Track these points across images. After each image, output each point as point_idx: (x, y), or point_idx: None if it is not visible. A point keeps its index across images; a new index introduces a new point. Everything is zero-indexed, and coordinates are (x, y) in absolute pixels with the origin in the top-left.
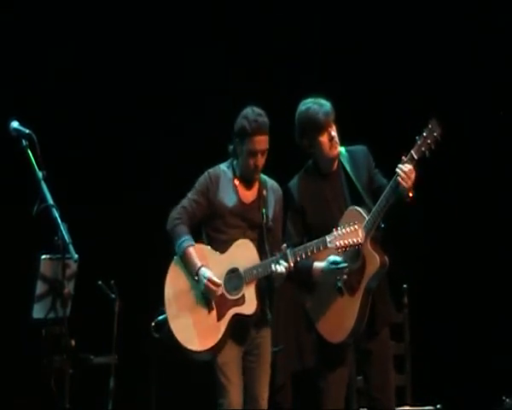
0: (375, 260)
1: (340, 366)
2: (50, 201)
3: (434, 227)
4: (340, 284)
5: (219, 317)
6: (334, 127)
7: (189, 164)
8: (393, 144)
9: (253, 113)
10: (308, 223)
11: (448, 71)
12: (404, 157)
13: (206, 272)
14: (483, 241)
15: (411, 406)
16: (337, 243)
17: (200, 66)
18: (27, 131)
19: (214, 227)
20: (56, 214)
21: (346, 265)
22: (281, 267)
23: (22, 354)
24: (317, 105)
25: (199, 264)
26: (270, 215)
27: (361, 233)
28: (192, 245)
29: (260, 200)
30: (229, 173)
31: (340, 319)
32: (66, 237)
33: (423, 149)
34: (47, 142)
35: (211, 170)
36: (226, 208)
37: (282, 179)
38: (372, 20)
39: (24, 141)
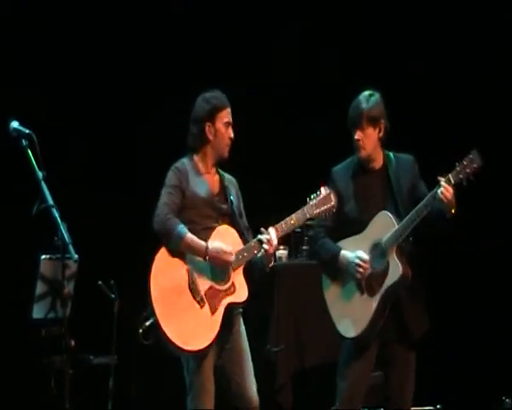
0: (397, 270)
1: (363, 367)
2: (50, 201)
3: None
4: (360, 284)
5: (213, 310)
6: (362, 130)
7: None
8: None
9: (212, 92)
10: (345, 212)
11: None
12: (441, 177)
13: (216, 245)
14: (483, 240)
15: (411, 406)
16: (314, 212)
17: (202, 65)
18: (27, 131)
19: (187, 219)
20: (56, 214)
21: (366, 263)
22: (267, 245)
23: (22, 354)
24: (358, 101)
25: (204, 244)
26: (236, 203)
27: (333, 197)
28: (188, 232)
29: (225, 190)
30: (194, 165)
31: (354, 316)
32: (66, 237)
33: (461, 176)
34: (47, 142)
35: (177, 164)
36: (199, 198)
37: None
38: (378, 22)
39: (24, 141)
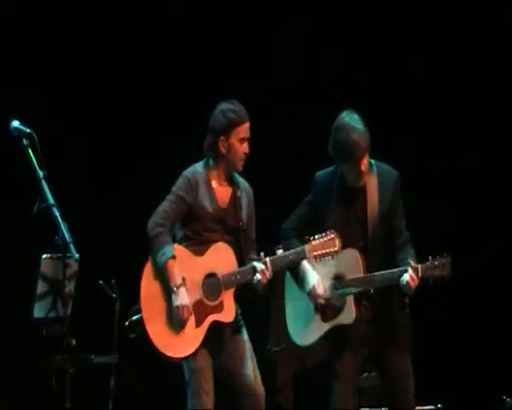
0: (350, 316)
1: (350, 362)
2: (51, 200)
3: (434, 226)
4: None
5: (198, 323)
6: (363, 161)
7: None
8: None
9: (232, 104)
10: (323, 224)
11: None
12: (412, 262)
13: (184, 295)
14: (483, 239)
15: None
16: (315, 254)
17: (202, 65)
18: (28, 130)
19: (193, 230)
20: (57, 214)
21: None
22: (260, 275)
23: (23, 354)
24: (356, 133)
25: (179, 281)
26: (244, 217)
27: (337, 242)
28: (173, 258)
29: (236, 202)
30: (206, 175)
31: (305, 327)
32: (67, 236)
33: (429, 273)
34: (47, 141)
35: (188, 173)
36: (206, 213)
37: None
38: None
39: (24, 140)
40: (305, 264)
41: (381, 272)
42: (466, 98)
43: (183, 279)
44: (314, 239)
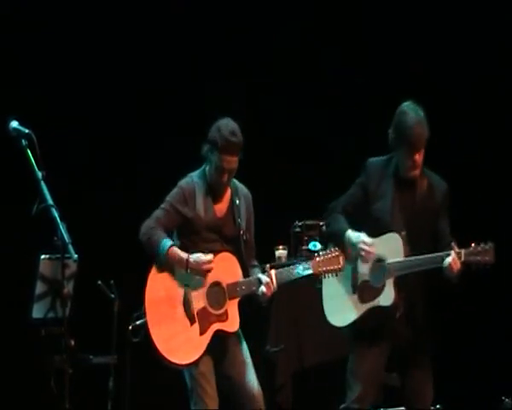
0: (389, 297)
1: (375, 366)
2: (50, 201)
3: None
4: (355, 283)
5: (202, 331)
6: (420, 152)
7: (192, 166)
8: None
9: (226, 128)
10: (369, 209)
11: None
12: (455, 246)
13: (195, 256)
14: (482, 239)
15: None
16: (319, 269)
17: (202, 65)
18: (27, 130)
19: (191, 241)
20: (56, 214)
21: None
22: (265, 288)
23: (22, 354)
24: (416, 119)
25: (186, 256)
26: (243, 224)
27: (342, 260)
28: (174, 245)
29: (234, 210)
30: (203, 185)
31: (341, 310)
32: (66, 236)
33: (471, 259)
34: (47, 142)
35: (184, 184)
36: (203, 224)
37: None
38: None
39: (23, 141)
40: (348, 232)
41: (424, 256)
42: (466, 98)
43: (187, 286)
44: (319, 255)
